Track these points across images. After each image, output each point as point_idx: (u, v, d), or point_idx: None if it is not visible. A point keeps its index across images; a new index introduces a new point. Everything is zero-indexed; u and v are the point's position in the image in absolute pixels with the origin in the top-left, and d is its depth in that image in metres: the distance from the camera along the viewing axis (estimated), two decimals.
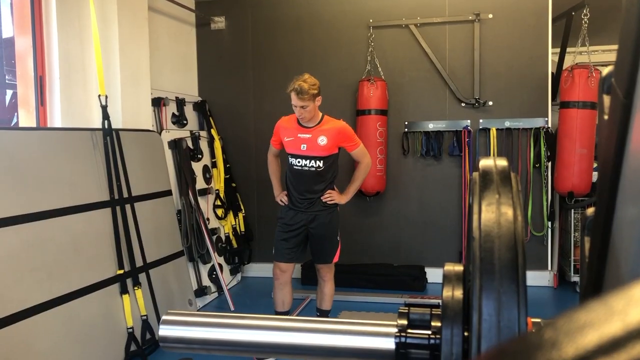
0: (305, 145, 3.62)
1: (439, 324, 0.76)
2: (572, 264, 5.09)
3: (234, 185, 5.66)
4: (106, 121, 3.85)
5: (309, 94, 3.47)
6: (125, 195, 3.96)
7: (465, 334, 0.69)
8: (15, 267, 3.04)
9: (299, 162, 3.66)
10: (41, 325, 3.11)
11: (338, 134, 3.64)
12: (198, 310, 4.51)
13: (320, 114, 3.69)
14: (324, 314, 3.92)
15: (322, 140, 3.60)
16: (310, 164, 3.64)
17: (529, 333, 0.21)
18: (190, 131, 5.21)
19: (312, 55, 5.58)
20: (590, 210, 0.88)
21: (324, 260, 3.81)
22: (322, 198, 3.71)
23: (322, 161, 3.64)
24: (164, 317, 0.93)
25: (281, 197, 3.84)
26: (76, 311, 3.36)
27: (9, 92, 4.05)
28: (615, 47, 0.74)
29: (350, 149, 3.74)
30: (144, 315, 3.86)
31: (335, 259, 3.83)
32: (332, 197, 3.72)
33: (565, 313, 0.21)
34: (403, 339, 0.78)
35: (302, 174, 3.67)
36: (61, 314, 3.25)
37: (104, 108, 3.84)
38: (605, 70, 0.79)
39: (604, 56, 5.27)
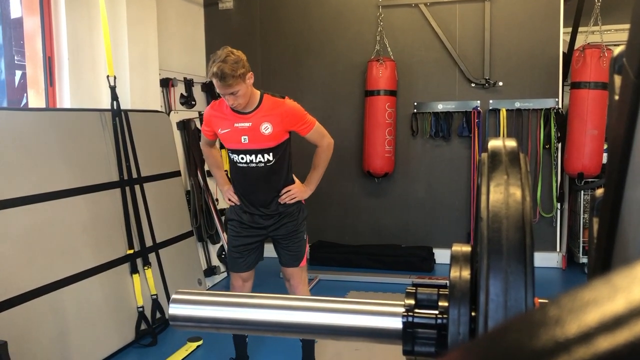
0: (246, 137, 2.85)
1: (446, 304, 0.76)
2: (581, 245, 5.08)
3: None
4: (115, 102, 3.86)
5: (234, 77, 2.68)
6: (135, 175, 3.98)
7: (473, 314, 0.70)
8: (26, 247, 3.07)
9: (242, 158, 2.91)
10: (52, 305, 3.15)
11: (285, 117, 2.87)
12: (207, 290, 4.55)
13: (258, 93, 2.90)
14: (308, 343, 3.17)
15: (267, 129, 2.84)
16: (258, 160, 2.89)
17: (533, 311, 0.21)
18: (199, 112, 5.20)
19: (320, 35, 5.54)
20: (599, 191, 0.88)
21: (290, 263, 3.09)
22: (280, 200, 3.00)
23: (271, 153, 2.89)
24: (173, 296, 0.95)
25: (229, 196, 3.07)
26: (87, 291, 3.40)
27: (18, 73, 4.06)
28: (628, 26, 0.73)
29: (304, 132, 2.97)
30: (154, 295, 3.90)
31: (303, 263, 3.13)
32: (293, 194, 3.01)
33: (570, 291, 0.22)
34: (410, 319, 0.78)
35: (250, 172, 2.94)
36: (72, 294, 3.29)
37: (113, 89, 3.85)
38: (617, 50, 0.78)
39: (616, 36, 5.19)
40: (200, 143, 3.28)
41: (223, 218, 5.16)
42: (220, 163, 3.21)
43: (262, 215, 3.02)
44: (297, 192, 3.02)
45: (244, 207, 3.04)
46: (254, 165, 2.91)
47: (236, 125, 2.87)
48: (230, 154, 2.98)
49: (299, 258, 3.10)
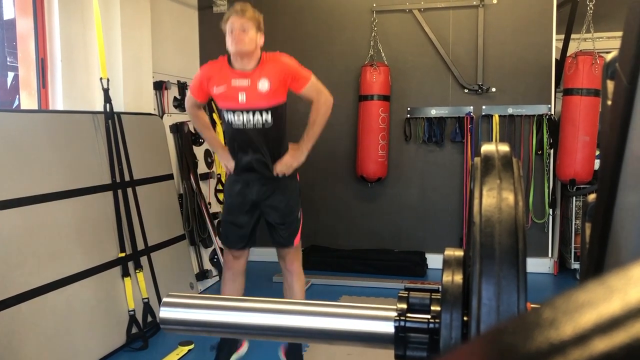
0: (243, 96, 2.78)
1: (438, 309, 0.76)
2: (573, 251, 5.10)
3: None
4: (108, 104, 3.84)
5: (252, 14, 2.78)
6: (127, 178, 3.96)
7: (465, 318, 0.70)
8: (17, 249, 3.05)
9: (238, 118, 2.81)
10: (43, 308, 3.12)
11: (282, 70, 2.82)
12: (199, 294, 4.53)
13: (259, 52, 2.88)
14: (293, 347, 3.19)
15: (264, 85, 2.77)
16: (256, 119, 2.80)
17: (528, 313, 0.21)
18: None
19: (315, 40, 5.54)
20: (592, 197, 0.88)
21: (284, 242, 3.02)
22: (275, 172, 2.91)
23: (269, 113, 2.80)
24: (165, 300, 0.94)
25: (225, 161, 3.01)
26: (78, 294, 3.38)
27: (11, 75, 4.04)
28: (620, 34, 0.73)
29: (301, 87, 2.86)
30: (146, 298, 3.88)
31: (297, 241, 3.06)
32: (289, 163, 2.93)
33: (564, 293, 0.22)
34: (402, 323, 0.78)
35: (247, 133, 2.84)
36: (63, 297, 3.27)
37: (106, 91, 3.83)
38: (610, 56, 0.79)
39: (608, 43, 5.23)
40: (186, 105, 3.13)
41: (216, 222, 5.15)
42: (209, 124, 3.09)
43: (258, 180, 2.94)
44: (291, 159, 2.94)
45: (236, 177, 2.98)
46: (251, 126, 2.82)
47: (234, 83, 2.80)
48: (225, 114, 2.88)
49: (292, 235, 3.02)
